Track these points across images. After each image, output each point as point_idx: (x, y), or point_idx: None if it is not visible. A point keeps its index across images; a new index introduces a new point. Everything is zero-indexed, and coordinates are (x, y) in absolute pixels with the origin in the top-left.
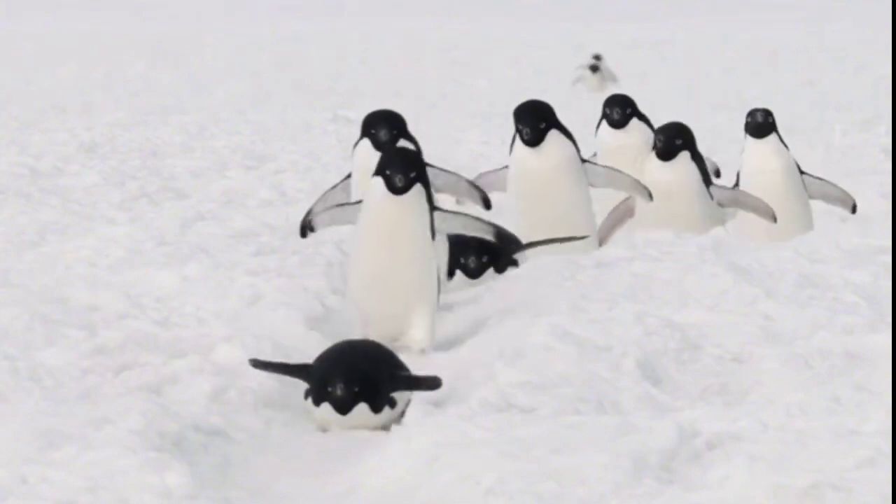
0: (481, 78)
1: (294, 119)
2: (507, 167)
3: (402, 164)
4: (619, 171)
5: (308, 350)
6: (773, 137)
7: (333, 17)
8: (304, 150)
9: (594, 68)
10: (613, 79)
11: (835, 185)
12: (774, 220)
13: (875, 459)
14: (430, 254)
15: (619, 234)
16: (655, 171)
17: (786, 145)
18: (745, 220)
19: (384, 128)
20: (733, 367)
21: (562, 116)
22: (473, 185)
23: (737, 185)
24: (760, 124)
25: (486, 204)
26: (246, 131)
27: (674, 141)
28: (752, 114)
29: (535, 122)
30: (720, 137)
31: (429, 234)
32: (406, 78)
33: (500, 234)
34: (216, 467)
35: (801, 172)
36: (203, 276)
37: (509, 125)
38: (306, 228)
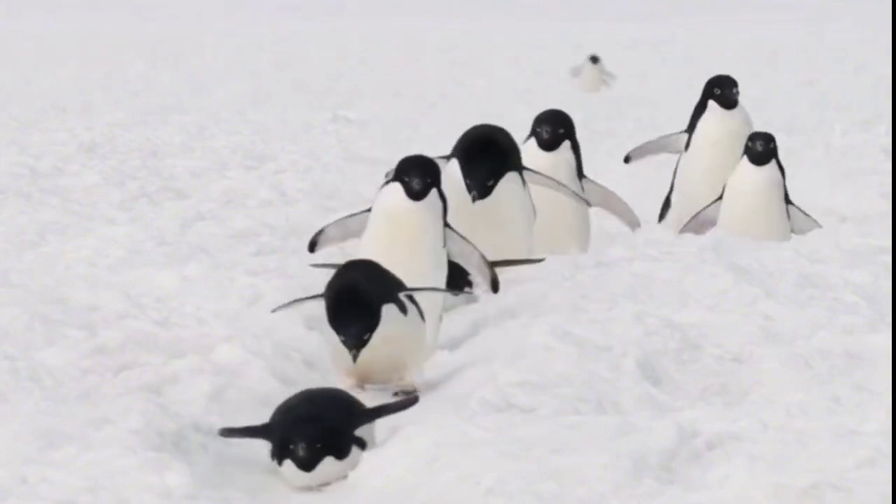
0: (481, 78)
1: (294, 119)
2: None
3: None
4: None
5: (308, 350)
6: (771, 164)
7: (333, 18)
8: (304, 150)
9: (595, 59)
10: (612, 77)
11: (815, 220)
12: (637, 226)
13: (875, 459)
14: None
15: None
16: (535, 159)
17: (782, 169)
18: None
19: (417, 176)
20: (733, 367)
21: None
22: (485, 261)
23: (720, 197)
24: (760, 153)
25: (495, 286)
26: (246, 131)
27: (557, 130)
28: (752, 139)
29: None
30: None
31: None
32: (406, 78)
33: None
34: (216, 467)
35: (788, 202)
36: (203, 276)
37: (511, 126)
38: (315, 244)
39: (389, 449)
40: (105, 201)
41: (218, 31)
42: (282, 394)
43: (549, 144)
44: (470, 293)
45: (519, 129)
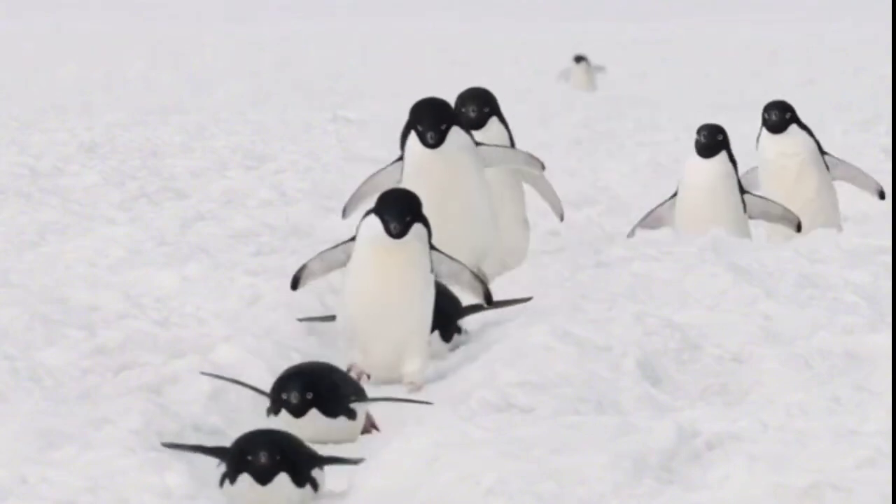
0: (481, 77)
1: (294, 119)
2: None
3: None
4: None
5: (307, 350)
6: (721, 156)
7: (333, 18)
8: (304, 150)
9: (579, 58)
10: (601, 70)
11: (777, 204)
12: (562, 218)
13: (875, 459)
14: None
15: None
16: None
17: (734, 161)
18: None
19: (396, 216)
20: (733, 367)
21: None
22: (476, 276)
23: (675, 195)
24: (706, 145)
25: (488, 299)
26: (246, 131)
27: (482, 109)
28: (700, 131)
29: (437, 122)
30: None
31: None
32: (406, 78)
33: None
34: (216, 467)
35: (743, 191)
36: (203, 276)
37: (511, 125)
38: (298, 280)
39: (389, 449)
40: (105, 201)
41: (218, 31)
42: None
43: (475, 123)
44: (459, 336)
45: (519, 130)
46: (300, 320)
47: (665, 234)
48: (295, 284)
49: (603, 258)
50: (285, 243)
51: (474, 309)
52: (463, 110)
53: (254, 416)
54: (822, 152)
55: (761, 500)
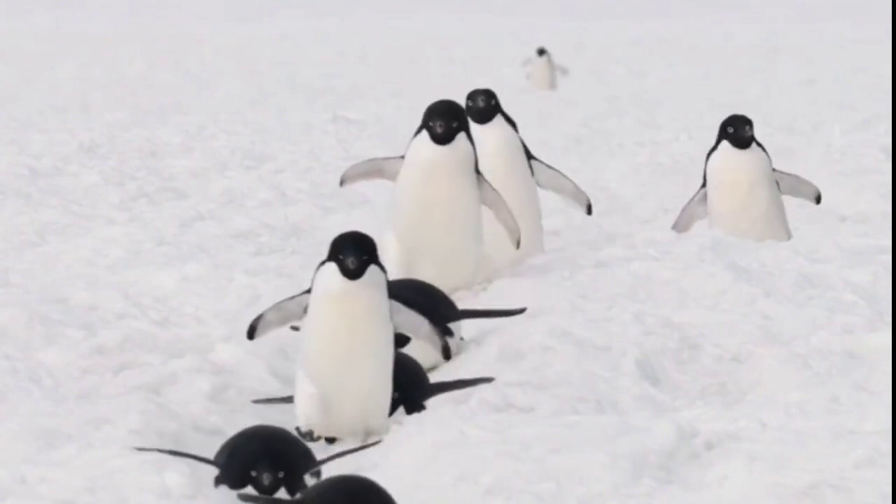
0: (481, 77)
1: (293, 119)
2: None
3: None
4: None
5: None
6: (498, 119)
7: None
8: (303, 151)
9: (541, 51)
10: (564, 71)
11: (570, 180)
12: (518, 245)
13: (874, 459)
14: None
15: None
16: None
17: (515, 126)
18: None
19: (352, 254)
20: (732, 366)
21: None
22: (435, 330)
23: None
24: (482, 109)
25: (446, 355)
26: (245, 131)
27: (450, 124)
28: (471, 97)
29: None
30: None
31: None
32: (406, 78)
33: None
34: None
35: (530, 157)
36: (202, 276)
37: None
38: (254, 330)
39: (389, 448)
40: (104, 201)
41: (218, 30)
42: (281, 393)
43: (443, 138)
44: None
45: (518, 128)
46: (255, 402)
47: (665, 233)
48: (251, 334)
49: (602, 258)
50: (285, 243)
51: (475, 314)
52: (430, 124)
53: (253, 415)
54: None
55: (760, 499)
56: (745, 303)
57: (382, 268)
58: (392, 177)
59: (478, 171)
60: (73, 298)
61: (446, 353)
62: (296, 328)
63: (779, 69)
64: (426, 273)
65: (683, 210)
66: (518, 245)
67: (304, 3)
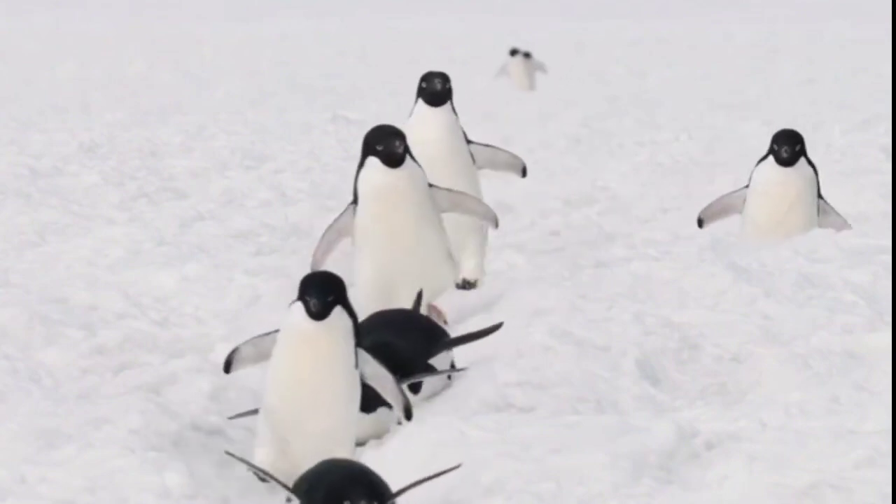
0: (481, 76)
1: (293, 119)
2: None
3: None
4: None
5: None
6: (448, 105)
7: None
8: (303, 151)
9: (514, 52)
10: (543, 70)
11: (503, 150)
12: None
13: (874, 459)
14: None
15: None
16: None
17: (455, 112)
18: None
19: (317, 295)
20: (732, 366)
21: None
22: (399, 387)
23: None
24: (439, 92)
25: (408, 415)
26: (246, 131)
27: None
28: (427, 79)
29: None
30: (720, 136)
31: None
32: (406, 77)
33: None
34: (215, 467)
35: (468, 141)
36: (202, 276)
37: (510, 125)
38: (230, 364)
39: (389, 448)
40: (104, 201)
41: (218, 30)
42: None
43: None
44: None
45: (517, 128)
46: (230, 418)
47: (665, 233)
48: (227, 368)
49: (602, 258)
50: (285, 243)
51: (458, 341)
52: (379, 149)
53: (253, 415)
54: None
55: (760, 499)
56: (745, 303)
57: (351, 310)
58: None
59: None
60: (73, 298)
61: (408, 414)
62: None
63: (779, 69)
64: (405, 293)
65: (718, 200)
66: (497, 224)
67: (304, 3)
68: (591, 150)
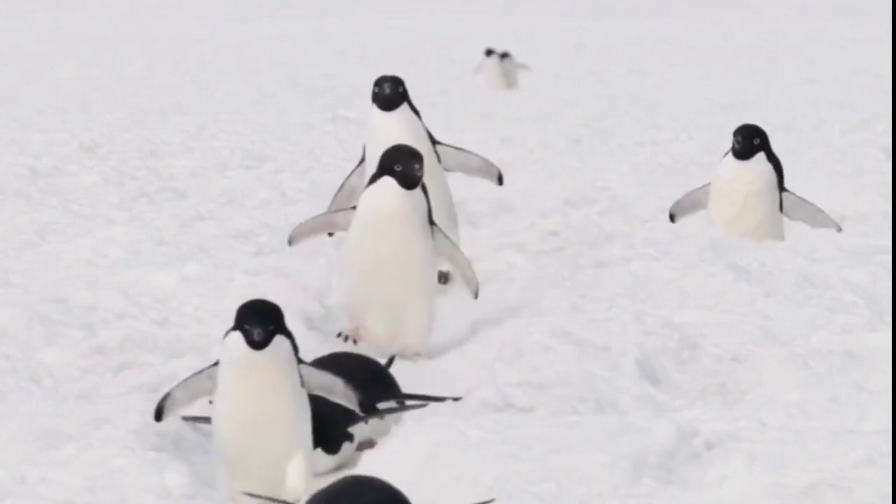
0: (480, 76)
1: (293, 119)
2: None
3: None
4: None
5: (307, 350)
6: (404, 107)
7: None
8: (303, 151)
9: (489, 52)
10: (526, 68)
11: (476, 155)
12: (476, 295)
13: (874, 459)
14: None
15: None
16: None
17: (419, 115)
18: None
19: (258, 324)
20: (732, 366)
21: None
22: (349, 387)
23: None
24: (388, 96)
25: (363, 408)
26: (245, 131)
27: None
28: (378, 83)
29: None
30: (720, 136)
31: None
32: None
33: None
34: (215, 467)
35: (435, 142)
36: (202, 276)
37: (510, 125)
38: (161, 411)
39: (388, 448)
40: (104, 201)
41: (218, 30)
42: None
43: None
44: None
45: (518, 128)
46: (185, 419)
47: (665, 233)
48: (158, 416)
49: (602, 258)
50: (285, 243)
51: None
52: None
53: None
54: (782, 188)
55: (760, 499)
56: (745, 303)
57: (290, 335)
58: (345, 227)
59: (432, 222)
60: (73, 298)
61: (363, 408)
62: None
63: (779, 69)
64: (375, 329)
65: (686, 195)
66: (476, 295)
67: (304, 3)
68: (591, 150)
